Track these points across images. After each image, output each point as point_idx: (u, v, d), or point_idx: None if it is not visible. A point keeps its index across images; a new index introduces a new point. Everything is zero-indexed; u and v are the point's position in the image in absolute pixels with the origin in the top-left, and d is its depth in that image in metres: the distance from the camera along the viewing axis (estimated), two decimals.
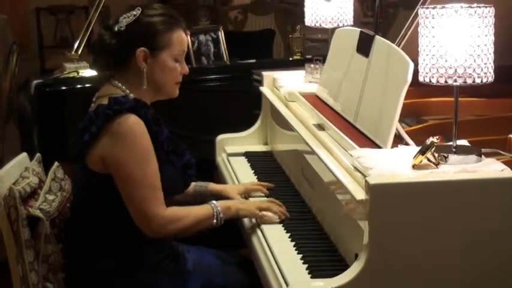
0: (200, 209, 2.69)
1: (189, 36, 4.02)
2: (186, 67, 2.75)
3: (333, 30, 3.38)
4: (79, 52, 4.53)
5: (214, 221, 2.66)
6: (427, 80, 2.34)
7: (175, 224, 2.59)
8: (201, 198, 2.96)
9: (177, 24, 2.70)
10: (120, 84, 2.66)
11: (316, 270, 2.37)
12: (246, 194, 3.03)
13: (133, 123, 2.53)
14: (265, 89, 3.64)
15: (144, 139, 2.54)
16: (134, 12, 2.67)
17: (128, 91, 2.64)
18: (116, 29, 2.66)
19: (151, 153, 2.55)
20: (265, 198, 2.93)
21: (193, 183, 2.97)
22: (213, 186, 3.03)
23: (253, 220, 2.78)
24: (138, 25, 2.65)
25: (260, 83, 3.74)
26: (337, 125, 2.78)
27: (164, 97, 2.75)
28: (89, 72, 4.38)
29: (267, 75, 3.68)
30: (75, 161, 2.62)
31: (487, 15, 2.27)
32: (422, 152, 2.27)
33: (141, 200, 2.53)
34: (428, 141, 2.28)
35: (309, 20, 3.74)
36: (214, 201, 2.71)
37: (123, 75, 2.67)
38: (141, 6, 2.69)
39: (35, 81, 4.30)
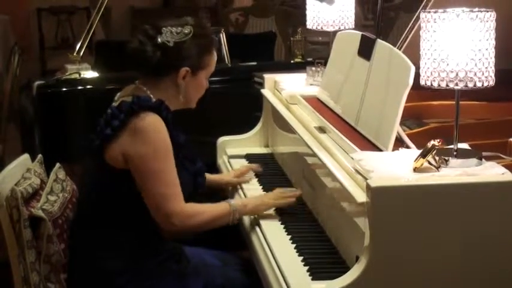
0: (218, 206, 2.72)
1: None
2: (208, 83, 2.82)
3: (334, 33, 3.39)
4: (81, 53, 4.54)
5: (231, 217, 2.70)
6: (428, 83, 2.35)
7: (194, 219, 2.62)
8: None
9: (214, 45, 2.78)
10: (145, 88, 2.68)
11: (317, 272, 2.37)
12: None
13: (155, 120, 2.57)
14: (266, 92, 3.65)
15: (165, 136, 2.57)
16: (186, 31, 2.68)
17: (152, 96, 2.66)
18: (160, 41, 2.65)
19: (170, 151, 2.58)
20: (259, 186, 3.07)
21: None
22: (209, 176, 3.07)
23: (254, 222, 2.79)
24: (187, 45, 2.67)
25: (261, 85, 3.75)
26: (338, 127, 2.79)
27: (183, 107, 2.79)
28: (90, 74, 4.39)
29: (268, 77, 3.68)
30: (93, 154, 2.63)
31: (488, 20, 2.28)
32: (423, 155, 2.28)
33: (161, 196, 2.55)
34: (429, 145, 2.29)
35: (311, 22, 3.75)
36: (231, 199, 2.76)
37: (153, 82, 2.69)
38: (191, 25, 2.69)
39: (36, 82, 4.31)
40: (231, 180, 3.19)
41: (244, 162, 3.51)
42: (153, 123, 2.56)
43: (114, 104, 2.68)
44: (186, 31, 2.68)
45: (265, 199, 2.82)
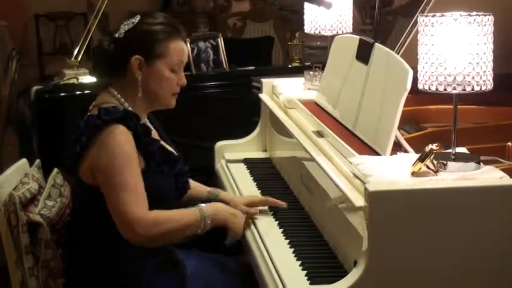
0: (186, 212, 2.65)
1: (188, 44, 4.04)
2: (183, 78, 2.73)
3: (332, 37, 3.39)
4: (79, 58, 4.54)
5: (202, 225, 2.62)
6: (426, 87, 2.35)
7: (158, 227, 2.53)
8: None
9: (177, 34, 2.69)
10: (115, 92, 2.67)
11: (315, 277, 2.37)
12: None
13: (120, 133, 2.53)
14: (264, 96, 3.65)
15: (128, 148, 2.54)
16: (133, 20, 2.68)
17: (122, 99, 2.65)
18: (116, 35, 2.67)
19: (133, 160, 2.54)
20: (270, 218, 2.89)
21: (208, 188, 3.00)
22: (223, 195, 3.01)
23: (252, 226, 2.78)
24: (135, 32, 2.66)
25: (259, 89, 3.75)
26: (336, 132, 2.79)
27: (160, 107, 2.75)
28: (88, 79, 4.39)
29: (266, 82, 3.68)
30: (69, 172, 2.63)
31: (486, 24, 2.28)
32: (421, 159, 2.28)
33: (122, 203, 2.50)
34: (427, 149, 2.29)
35: (308, 27, 3.75)
36: (202, 205, 2.66)
37: (119, 83, 2.69)
38: (141, 14, 2.69)
39: (34, 88, 4.31)
40: (239, 206, 2.91)
41: (242, 167, 3.51)
42: (117, 137, 2.53)
43: (88, 113, 2.66)
44: (134, 20, 2.67)
45: (240, 221, 2.72)
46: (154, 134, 2.74)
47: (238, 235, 2.72)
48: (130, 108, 2.64)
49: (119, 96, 2.66)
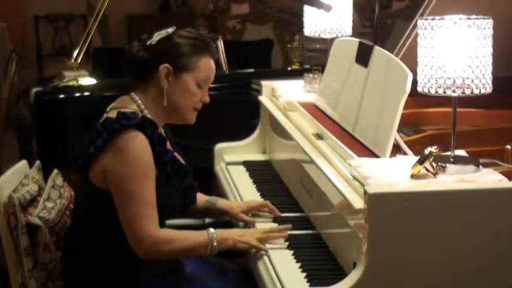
0: (195, 235, 2.62)
1: None
2: (207, 96, 2.74)
3: (332, 40, 3.39)
4: (78, 60, 4.54)
5: (208, 252, 2.60)
6: (425, 90, 2.36)
7: (166, 245, 2.54)
8: (209, 214, 3.00)
9: (207, 51, 2.71)
10: (137, 98, 2.65)
11: (315, 279, 2.37)
12: (250, 214, 2.95)
13: (138, 139, 2.52)
14: (263, 98, 3.65)
15: (146, 156, 2.52)
16: (169, 30, 2.67)
17: (143, 106, 2.63)
18: (148, 42, 2.65)
19: (150, 171, 2.54)
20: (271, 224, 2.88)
21: (206, 197, 2.98)
22: (221, 203, 2.99)
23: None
24: (168, 42, 2.64)
25: (259, 92, 3.76)
26: (335, 134, 2.79)
27: (179, 121, 2.74)
28: (88, 81, 4.39)
29: (266, 84, 3.69)
30: (78, 172, 2.62)
31: (485, 27, 2.29)
32: (420, 162, 2.29)
33: (134, 217, 2.50)
34: (426, 151, 2.29)
35: (308, 30, 3.76)
36: (212, 230, 2.62)
37: (143, 90, 2.67)
38: (176, 27, 2.69)
39: (34, 89, 4.31)
40: (238, 216, 2.93)
41: (242, 169, 3.51)
42: (134, 143, 2.51)
43: (103, 117, 2.66)
44: (170, 30, 2.67)
45: (249, 237, 2.66)
46: (168, 145, 2.73)
47: (259, 249, 2.65)
48: (149, 116, 2.63)
49: (139, 102, 2.64)
